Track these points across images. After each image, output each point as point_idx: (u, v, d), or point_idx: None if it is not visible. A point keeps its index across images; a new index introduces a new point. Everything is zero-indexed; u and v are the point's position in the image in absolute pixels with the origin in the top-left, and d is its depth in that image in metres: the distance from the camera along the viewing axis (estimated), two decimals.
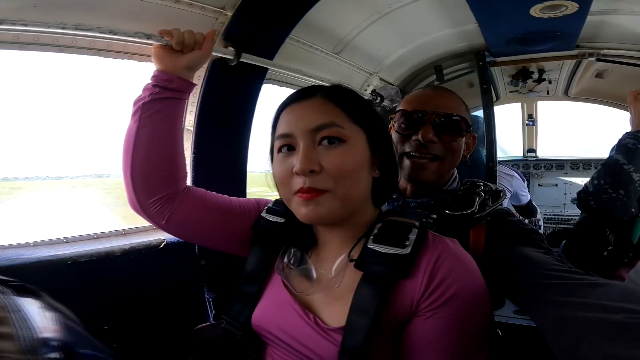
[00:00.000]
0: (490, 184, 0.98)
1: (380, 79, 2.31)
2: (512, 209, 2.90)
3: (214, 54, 1.24)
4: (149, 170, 0.85)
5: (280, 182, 0.71)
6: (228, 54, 1.25)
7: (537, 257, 0.78)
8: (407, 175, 0.96)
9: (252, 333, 0.78)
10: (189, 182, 1.35)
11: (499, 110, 3.54)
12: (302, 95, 0.72)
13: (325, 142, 0.67)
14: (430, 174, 0.93)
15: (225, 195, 0.93)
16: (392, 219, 0.72)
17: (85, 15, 0.94)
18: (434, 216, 0.73)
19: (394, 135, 0.97)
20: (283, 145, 0.70)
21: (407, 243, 0.64)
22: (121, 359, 1.11)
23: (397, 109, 0.99)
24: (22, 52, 0.94)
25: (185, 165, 0.92)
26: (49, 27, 0.83)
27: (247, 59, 1.32)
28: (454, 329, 0.63)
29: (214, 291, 1.44)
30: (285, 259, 0.78)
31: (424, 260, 0.64)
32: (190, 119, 1.36)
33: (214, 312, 1.47)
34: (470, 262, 0.68)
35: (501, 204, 0.93)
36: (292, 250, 0.79)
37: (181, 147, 0.91)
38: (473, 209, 0.88)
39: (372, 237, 0.69)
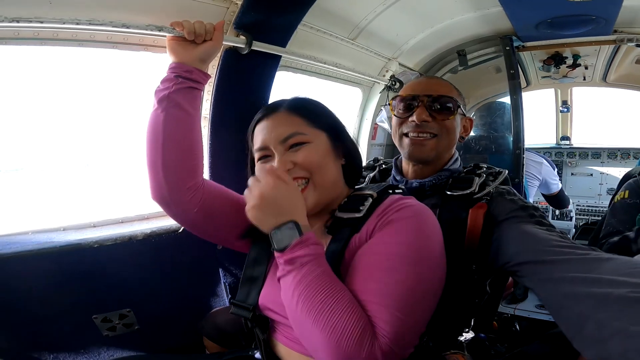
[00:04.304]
0: (494, 167, 1.02)
1: (400, 64, 2.26)
2: (536, 198, 2.78)
3: (225, 43, 1.28)
4: (178, 160, 0.89)
5: None
6: (239, 42, 1.28)
7: (539, 234, 0.79)
8: (407, 154, 1.03)
9: (259, 314, 0.85)
10: (205, 171, 1.43)
11: (531, 96, 3.37)
12: (269, 111, 0.86)
13: (294, 147, 0.81)
14: (428, 151, 1.00)
15: (234, 192, 0.98)
16: (355, 193, 0.84)
17: (98, 9, 0.99)
18: (401, 188, 0.87)
19: (394, 120, 1.06)
20: (262, 156, 0.84)
21: (361, 208, 0.78)
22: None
23: (395, 95, 1.09)
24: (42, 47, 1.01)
25: (203, 156, 0.96)
26: (64, 23, 0.89)
27: (259, 47, 1.34)
28: (387, 246, 0.70)
29: (230, 276, 1.52)
30: None
31: (375, 214, 0.77)
32: (206, 107, 1.41)
33: (229, 296, 1.53)
34: (421, 208, 0.77)
35: (502, 183, 0.97)
36: None
37: (200, 138, 0.96)
38: (473, 189, 0.92)
39: (338, 208, 0.82)
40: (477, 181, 0.94)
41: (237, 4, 1.25)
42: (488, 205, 0.90)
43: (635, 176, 1.58)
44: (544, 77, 2.91)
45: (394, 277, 0.67)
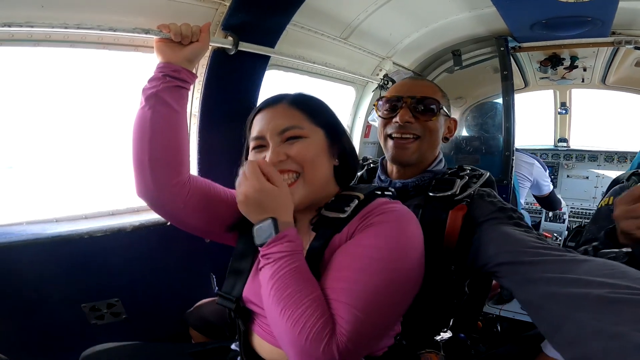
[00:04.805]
0: (478, 169, 1.04)
1: (394, 63, 2.26)
2: (522, 199, 2.77)
3: (213, 44, 1.30)
4: (165, 157, 0.90)
5: None
6: (226, 43, 1.31)
7: (517, 235, 0.80)
8: (390, 156, 1.05)
9: (242, 305, 0.88)
10: (194, 167, 1.47)
11: (530, 97, 3.35)
12: (270, 103, 0.87)
13: (290, 140, 0.81)
14: (410, 154, 1.02)
15: (223, 186, 1.00)
16: (343, 193, 0.85)
17: (89, 11, 1.03)
18: (390, 190, 0.88)
19: (379, 121, 1.08)
20: (257, 145, 0.85)
21: (346, 209, 0.79)
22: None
23: (381, 96, 1.11)
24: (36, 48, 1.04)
25: (189, 153, 0.98)
26: (53, 27, 0.92)
27: (246, 47, 1.37)
28: (362, 248, 0.73)
29: (217, 268, 1.56)
30: None
31: (359, 215, 0.78)
32: (196, 105, 1.44)
33: (216, 287, 1.58)
34: (404, 212, 0.78)
35: (483, 185, 0.99)
36: None
37: (187, 135, 0.98)
38: (454, 190, 0.94)
39: (324, 206, 0.83)
40: (459, 183, 0.96)
41: (225, 5, 1.27)
42: (468, 207, 0.92)
43: (623, 182, 1.57)
44: (542, 78, 2.89)
45: (362, 278, 0.69)
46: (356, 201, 0.80)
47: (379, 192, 0.86)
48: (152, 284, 1.43)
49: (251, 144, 0.86)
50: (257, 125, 0.85)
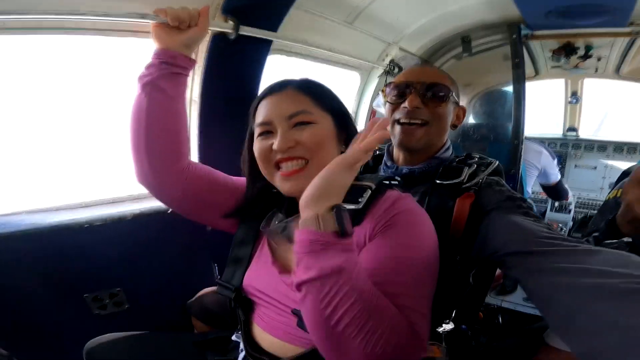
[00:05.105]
0: (486, 157, 1.03)
1: (401, 48, 2.19)
2: (528, 188, 2.75)
3: (212, 28, 1.26)
4: (162, 144, 0.91)
5: (261, 158, 0.83)
6: (226, 27, 1.26)
7: (527, 224, 0.78)
8: (397, 142, 1.04)
9: (243, 295, 0.89)
10: (195, 154, 1.44)
11: (539, 86, 3.25)
12: (276, 88, 0.84)
13: (298, 125, 0.80)
14: (419, 139, 1.01)
15: (223, 173, 1.00)
16: (352, 183, 0.80)
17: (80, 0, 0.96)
18: (397, 180, 0.86)
19: (387, 106, 1.07)
20: (263, 131, 0.82)
21: (360, 200, 0.76)
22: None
23: (389, 82, 1.09)
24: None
25: (189, 140, 0.98)
26: (45, 14, 0.88)
27: (247, 31, 1.32)
28: (385, 248, 0.70)
29: (219, 257, 1.53)
30: (273, 221, 0.90)
31: (375, 210, 0.75)
32: (196, 90, 1.40)
33: (219, 277, 1.57)
34: (418, 212, 0.77)
35: (492, 174, 0.98)
36: (279, 215, 0.90)
37: (186, 122, 0.97)
38: (462, 178, 0.94)
39: None
40: (467, 171, 0.96)
41: None
42: (476, 195, 0.92)
43: None
44: (554, 67, 2.80)
45: (408, 279, 0.67)
46: (369, 191, 0.77)
47: (387, 182, 0.83)
48: (154, 273, 1.44)
49: (256, 130, 0.84)
50: (263, 111, 0.83)
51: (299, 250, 0.62)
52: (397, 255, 0.69)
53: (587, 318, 0.54)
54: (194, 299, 1.36)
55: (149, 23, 0.97)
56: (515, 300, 2.13)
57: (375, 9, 1.75)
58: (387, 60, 2.16)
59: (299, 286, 0.61)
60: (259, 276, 0.87)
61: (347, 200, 0.73)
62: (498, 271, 1.22)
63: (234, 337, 0.98)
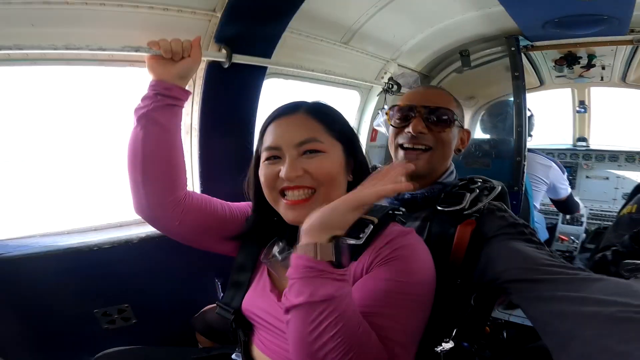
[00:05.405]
0: (490, 180, 1.01)
1: (399, 65, 2.21)
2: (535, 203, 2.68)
3: (206, 58, 1.29)
4: (158, 176, 0.90)
5: (266, 184, 0.81)
6: (220, 56, 1.29)
7: (528, 251, 0.79)
8: None
9: (242, 316, 0.89)
10: (196, 181, 1.48)
11: (546, 96, 3.21)
12: (286, 111, 0.83)
13: (308, 153, 0.78)
14: (422, 165, 0.99)
15: (221, 200, 1.00)
16: None
17: (80, 28, 1.03)
18: (401, 210, 0.84)
19: (390, 129, 1.06)
20: (270, 156, 0.80)
21: (361, 235, 0.74)
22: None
23: (393, 105, 1.07)
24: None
25: (185, 170, 0.98)
26: (41, 49, 0.93)
27: (241, 59, 1.35)
28: (379, 281, 0.70)
29: (222, 276, 1.56)
30: (273, 250, 0.89)
31: (375, 243, 0.74)
32: (195, 118, 1.44)
33: (222, 294, 1.56)
34: (417, 248, 0.75)
35: (494, 199, 0.96)
36: (280, 243, 0.89)
37: (182, 153, 0.97)
38: (463, 205, 0.92)
39: None
40: (469, 197, 0.94)
41: (217, 16, 1.25)
42: (478, 222, 0.90)
43: None
44: (559, 76, 2.76)
45: (393, 312, 0.67)
46: (371, 226, 0.75)
47: (391, 213, 0.81)
48: (160, 290, 1.47)
49: (263, 155, 0.82)
50: (272, 135, 0.81)
51: (293, 275, 0.63)
52: (390, 289, 0.69)
53: (581, 344, 0.56)
54: (197, 315, 1.38)
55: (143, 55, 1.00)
56: (523, 314, 2.05)
57: (370, 28, 1.78)
58: (385, 78, 2.17)
59: (288, 309, 0.63)
60: (257, 301, 0.87)
61: (348, 233, 0.72)
62: None
63: (234, 356, 0.98)
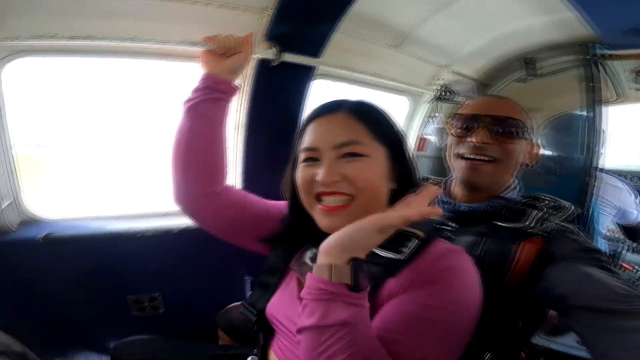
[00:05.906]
0: (558, 199, 0.93)
1: (454, 72, 2.10)
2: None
3: (256, 55, 1.32)
4: (197, 166, 0.91)
5: (302, 187, 0.77)
6: (269, 54, 1.32)
7: (603, 279, 0.73)
8: (460, 177, 0.96)
9: (264, 320, 0.86)
10: (239, 177, 1.52)
11: (622, 111, 2.84)
12: (327, 110, 0.78)
13: (347, 157, 0.72)
14: (484, 176, 0.93)
15: (261, 198, 0.98)
16: None
17: (143, 22, 1.10)
18: (450, 225, 0.79)
19: (450, 138, 0.99)
20: (307, 157, 0.76)
21: (403, 250, 0.67)
22: None
23: (454, 113, 1.02)
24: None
25: (226, 165, 0.98)
26: (111, 41, 1.01)
27: (290, 58, 1.37)
28: (412, 305, 0.63)
29: (251, 274, 1.59)
30: (305, 256, 0.86)
31: (419, 261, 0.66)
32: (243, 115, 1.48)
33: (250, 293, 1.61)
34: (466, 271, 0.67)
35: (565, 221, 0.88)
36: (313, 249, 0.85)
37: (224, 148, 0.96)
38: (528, 223, 0.85)
39: None
40: (534, 214, 0.86)
41: (270, 14, 1.27)
42: (546, 242, 0.82)
43: None
44: (639, 89, 2.44)
45: (427, 345, 0.61)
46: (415, 241, 0.68)
47: (438, 227, 0.75)
48: (191, 283, 1.51)
49: (301, 155, 0.78)
50: (310, 135, 0.76)
51: (307, 295, 0.61)
52: (422, 316, 0.61)
53: None
54: (222, 311, 1.38)
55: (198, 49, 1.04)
56: (567, 342, 1.83)
57: (423, 32, 1.71)
58: (437, 85, 2.07)
59: (299, 330, 0.61)
60: (282, 307, 0.83)
61: (387, 247, 0.67)
62: (552, 311, 1.07)
63: (249, 358, 0.96)
